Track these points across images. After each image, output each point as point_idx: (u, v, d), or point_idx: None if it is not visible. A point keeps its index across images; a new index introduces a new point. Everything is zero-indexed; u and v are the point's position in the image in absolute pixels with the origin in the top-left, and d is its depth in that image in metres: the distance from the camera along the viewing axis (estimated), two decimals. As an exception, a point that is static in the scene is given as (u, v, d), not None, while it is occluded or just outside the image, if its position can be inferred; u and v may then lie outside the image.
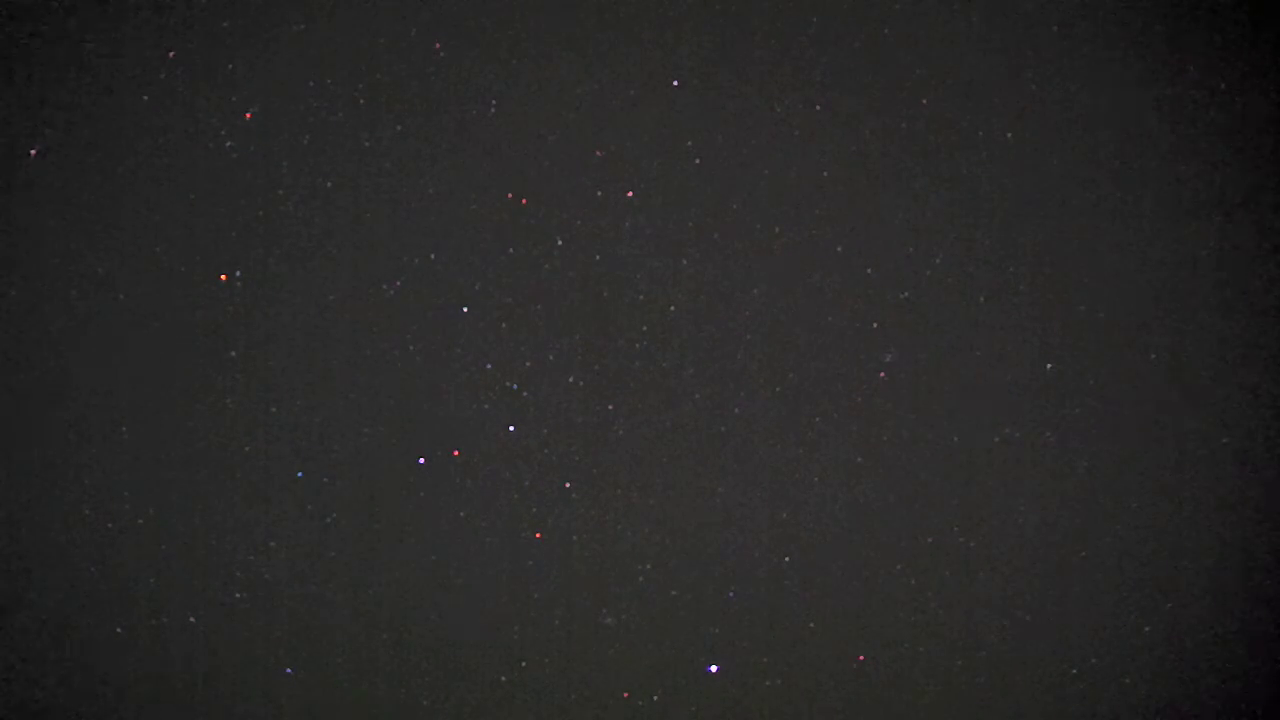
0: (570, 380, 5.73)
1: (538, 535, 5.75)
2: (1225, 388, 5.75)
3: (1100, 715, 5.77)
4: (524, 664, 5.75)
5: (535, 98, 5.68)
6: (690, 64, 5.70)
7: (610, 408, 5.75)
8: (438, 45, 5.66)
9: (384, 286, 5.69)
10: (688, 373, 5.76)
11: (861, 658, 5.77)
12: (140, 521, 5.64)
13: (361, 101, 5.65)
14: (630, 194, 5.72)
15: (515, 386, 5.73)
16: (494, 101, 5.68)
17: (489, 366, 5.72)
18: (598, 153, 5.70)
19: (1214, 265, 5.74)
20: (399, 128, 5.67)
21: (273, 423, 5.67)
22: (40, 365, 5.58)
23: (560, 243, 5.70)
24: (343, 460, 5.71)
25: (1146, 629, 5.77)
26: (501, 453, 5.73)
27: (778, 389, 5.77)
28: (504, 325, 5.72)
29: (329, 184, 5.66)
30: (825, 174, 5.73)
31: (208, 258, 5.63)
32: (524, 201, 5.70)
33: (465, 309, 5.70)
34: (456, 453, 5.72)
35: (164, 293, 5.63)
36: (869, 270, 5.74)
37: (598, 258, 5.72)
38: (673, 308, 5.75)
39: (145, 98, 5.59)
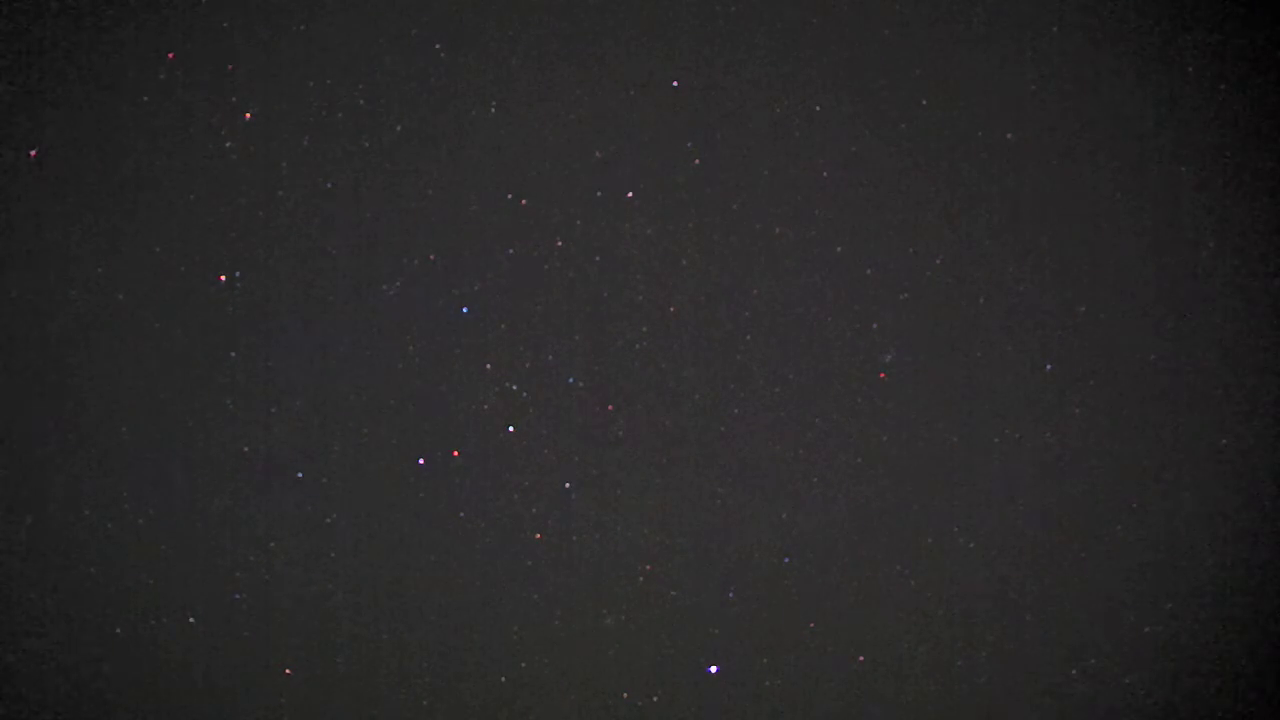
0: (570, 380, 5.73)
1: (538, 535, 5.75)
2: (1225, 388, 5.75)
3: (1100, 715, 5.77)
4: (524, 664, 5.75)
5: (535, 98, 5.68)
6: (690, 64, 5.70)
7: (610, 408, 5.75)
8: (438, 45, 5.67)
9: (384, 286, 5.69)
10: (688, 373, 5.76)
11: (861, 658, 5.77)
12: (140, 521, 5.64)
13: (361, 101, 5.65)
14: (630, 194, 5.72)
15: (515, 386, 5.73)
16: (494, 101, 5.68)
17: (489, 366, 5.72)
18: (598, 153, 5.71)
19: (1214, 265, 5.74)
20: (399, 128, 5.67)
21: (273, 423, 5.67)
22: (40, 365, 5.58)
23: (560, 243, 5.70)
24: (343, 460, 5.71)
25: (1146, 629, 5.77)
26: (501, 453, 5.73)
27: (778, 389, 5.77)
28: (504, 325, 5.72)
29: (329, 184, 5.66)
30: (825, 174, 5.73)
31: (208, 258, 5.64)
32: (524, 202, 5.70)
33: (465, 309, 5.70)
34: (456, 453, 5.72)
35: (164, 293, 5.63)
36: (869, 270, 5.74)
37: (598, 258, 5.72)
38: (673, 308, 5.75)
39: (145, 98, 5.59)
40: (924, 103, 5.71)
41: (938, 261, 5.75)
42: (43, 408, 5.58)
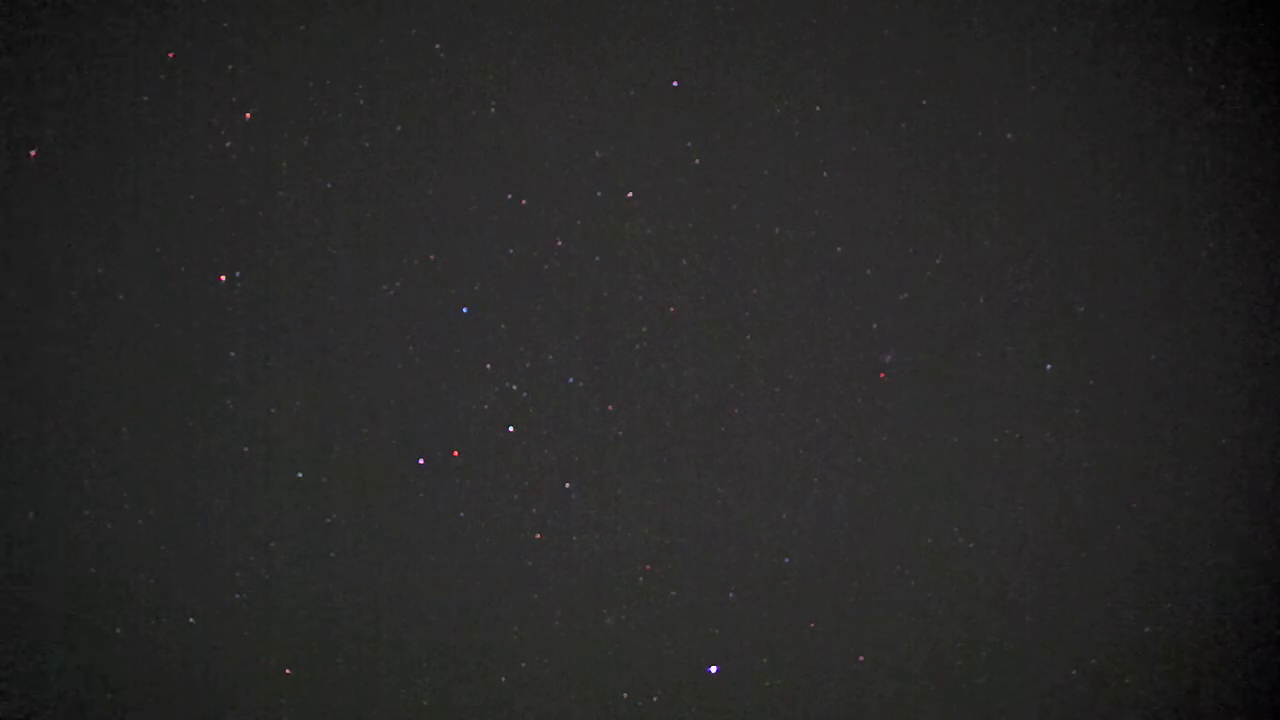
0: (570, 380, 5.73)
1: (538, 535, 5.75)
2: (1225, 388, 5.75)
3: (1100, 715, 5.77)
4: (524, 664, 5.75)
5: (535, 98, 5.68)
6: (690, 64, 5.70)
7: (610, 408, 5.75)
8: (438, 45, 5.67)
9: (384, 286, 5.69)
10: (688, 373, 5.76)
11: (861, 658, 5.77)
12: (140, 521, 5.64)
13: (361, 101, 5.65)
14: (630, 194, 5.72)
15: (515, 386, 5.73)
16: (494, 101, 5.68)
17: (489, 366, 5.72)
18: (598, 153, 5.71)
19: (1214, 265, 5.74)
20: (399, 128, 5.67)
21: (273, 423, 5.67)
22: (40, 365, 5.58)
23: (560, 243, 5.70)
24: (343, 460, 5.71)
25: (1147, 629, 5.77)
26: (501, 453, 5.73)
27: (778, 389, 5.76)
28: (504, 325, 5.72)
29: (329, 184, 5.66)
30: (825, 174, 5.73)
31: (208, 258, 5.64)
32: (524, 202, 5.70)
33: (465, 309, 5.70)
34: (456, 453, 5.72)
35: (164, 293, 5.63)
36: (869, 270, 5.74)
37: (598, 258, 5.72)
38: (672, 308, 5.75)
39: (145, 98, 5.59)
40: (924, 103, 5.71)
41: (938, 261, 5.75)
42: (43, 408, 5.58)
